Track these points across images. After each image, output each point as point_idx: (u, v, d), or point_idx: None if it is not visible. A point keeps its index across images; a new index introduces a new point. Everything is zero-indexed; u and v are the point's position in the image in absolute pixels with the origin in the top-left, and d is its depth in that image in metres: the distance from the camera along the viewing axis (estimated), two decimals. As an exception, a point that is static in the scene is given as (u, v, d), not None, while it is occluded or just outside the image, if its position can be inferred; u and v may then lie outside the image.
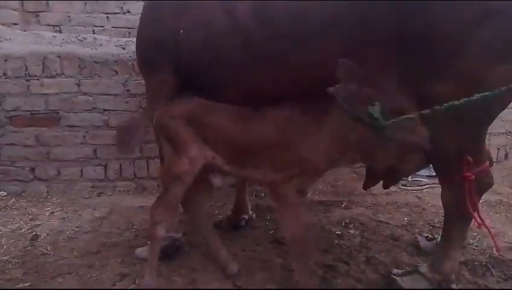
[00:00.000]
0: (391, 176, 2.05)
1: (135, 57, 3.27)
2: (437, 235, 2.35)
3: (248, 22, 1.86)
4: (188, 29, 2.07)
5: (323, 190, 3.16)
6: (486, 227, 1.79)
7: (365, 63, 1.62)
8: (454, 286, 1.89)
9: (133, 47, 3.34)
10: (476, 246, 2.41)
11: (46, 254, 2.33)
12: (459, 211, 1.81)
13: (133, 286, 2.00)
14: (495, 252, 2.27)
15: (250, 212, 2.83)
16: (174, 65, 2.15)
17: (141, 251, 2.30)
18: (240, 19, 1.88)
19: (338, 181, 3.77)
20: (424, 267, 1.92)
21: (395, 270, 2.02)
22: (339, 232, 2.64)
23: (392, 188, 3.03)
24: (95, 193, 3.38)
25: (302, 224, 1.87)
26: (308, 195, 3.37)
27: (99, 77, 3.30)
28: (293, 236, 1.86)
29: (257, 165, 1.90)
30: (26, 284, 2.00)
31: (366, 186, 2.21)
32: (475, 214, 1.77)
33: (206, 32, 2.00)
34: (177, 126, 1.89)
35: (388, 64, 1.67)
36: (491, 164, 1.90)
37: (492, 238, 1.80)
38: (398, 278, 1.93)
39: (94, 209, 3.04)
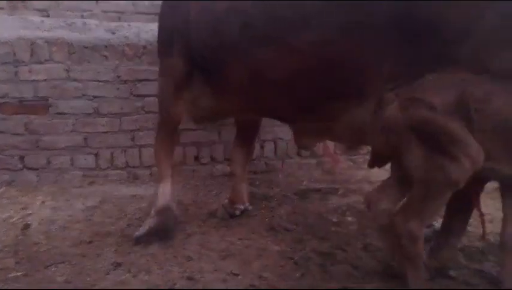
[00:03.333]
0: None
1: (126, 42, 3.24)
2: (435, 222, 2.34)
3: (246, 3, 1.90)
4: (196, 14, 2.19)
5: (320, 177, 3.14)
6: (481, 214, 1.79)
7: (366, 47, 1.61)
8: (451, 273, 1.90)
9: (123, 32, 3.28)
10: (472, 232, 2.41)
11: (39, 243, 2.29)
12: (461, 200, 1.80)
13: (127, 275, 1.96)
14: (491, 238, 2.27)
15: (247, 203, 2.80)
16: (185, 50, 2.29)
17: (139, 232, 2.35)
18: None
19: (334, 169, 3.76)
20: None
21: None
22: (336, 220, 2.63)
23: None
24: (86, 182, 3.32)
25: None
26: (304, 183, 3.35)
27: (89, 62, 3.22)
28: None
29: None
30: (19, 273, 1.97)
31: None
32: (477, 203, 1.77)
33: (210, 16, 2.10)
34: (445, 119, 1.53)
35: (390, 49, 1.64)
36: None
37: (483, 225, 1.80)
38: (395, 265, 1.92)
39: (86, 198, 2.99)
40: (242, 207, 2.76)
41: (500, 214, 1.78)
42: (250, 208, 2.82)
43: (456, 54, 1.54)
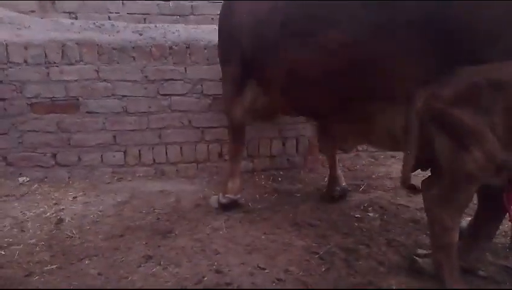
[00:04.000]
0: None
1: (153, 43, 3.33)
2: (462, 220, 2.34)
3: (286, 3, 2.06)
4: (245, 19, 2.40)
5: (342, 174, 3.16)
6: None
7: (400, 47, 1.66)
8: (481, 273, 1.90)
9: (150, 33, 3.37)
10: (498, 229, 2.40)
11: (72, 237, 2.38)
12: (492, 201, 1.80)
13: (157, 268, 2.03)
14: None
15: (344, 184, 2.98)
16: (240, 56, 2.52)
17: (215, 200, 2.82)
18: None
19: (356, 166, 3.77)
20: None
21: (419, 251, 2.03)
22: (359, 216, 2.66)
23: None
24: (116, 178, 3.43)
25: None
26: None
27: (118, 63, 3.32)
28: None
29: None
30: (54, 266, 2.05)
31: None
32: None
33: (254, 19, 2.30)
34: (460, 111, 1.53)
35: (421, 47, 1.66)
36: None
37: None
38: (419, 260, 1.94)
39: (115, 194, 3.09)
40: (339, 189, 2.95)
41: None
42: (349, 189, 3.04)
43: (488, 54, 1.56)
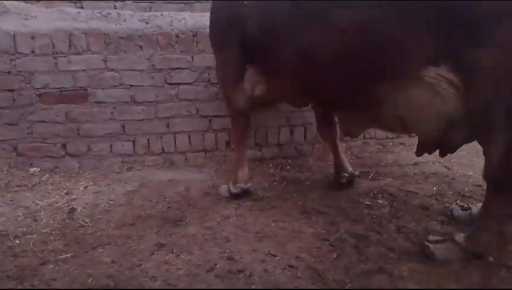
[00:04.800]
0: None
1: (159, 31, 3.31)
2: (472, 205, 2.34)
3: None
4: (251, 2, 2.34)
5: (350, 161, 3.16)
6: None
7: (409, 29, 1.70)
8: (491, 259, 1.89)
9: (156, 21, 3.36)
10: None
11: (85, 226, 2.41)
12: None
13: (170, 255, 2.06)
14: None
15: (350, 169, 2.96)
16: (241, 41, 2.45)
17: (225, 189, 2.83)
18: None
19: (364, 153, 3.77)
20: (460, 237, 1.92)
21: (430, 237, 2.04)
22: (368, 203, 2.66)
23: (419, 159, 3.02)
24: (125, 167, 3.45)
25: None
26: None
27: (125, 52, 3.32)
28: None
29: None
30: (68, 255, 2.07)
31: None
32: None
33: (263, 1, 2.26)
34: None
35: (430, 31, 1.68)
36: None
37: None
38: (431, 245, 1.94)
39: (125, 183, 3.11)
40: (346, 175, 2.92)
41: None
42: (357, 173, 3.04)
43: (491, 36, 1.58)
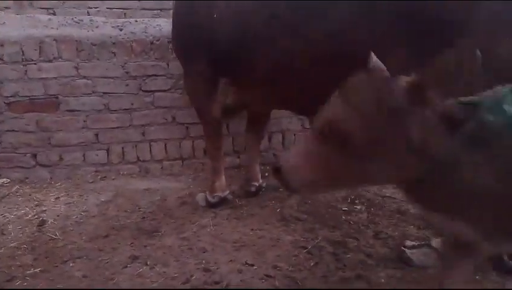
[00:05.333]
0: None
1: (133, 38, 3.26)
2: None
3: None
4: (220, 12, 2.26)
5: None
6: None
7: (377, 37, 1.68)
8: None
9: (131, 28, 3.30)
10: None
11: (55, 239, 2.33)
12: None
13: (144, 268, 2.00)
14: None
15: (260, 181, 2.99)
16: (209, 50, 2.39)
17: (201, 198, 2.77)
18: None
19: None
20: (436, 242, 1.93)
21: (407, 242, 2.04)
22: (346, 209, 2.66)
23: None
24: (99, 177, 3.36)
25: None
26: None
27: (98, 59, 3.24)
28: None
29: None
30: (37, 270, 2.00)
31: None
32: None
33: (236, 12, 2.20)
34: None
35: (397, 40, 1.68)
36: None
37: None
38: (407, 251, 1.95)
39: (99, 193, 3.03)
40: (257, 184, 2.94)
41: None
42: (264, 185, 3.01)
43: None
